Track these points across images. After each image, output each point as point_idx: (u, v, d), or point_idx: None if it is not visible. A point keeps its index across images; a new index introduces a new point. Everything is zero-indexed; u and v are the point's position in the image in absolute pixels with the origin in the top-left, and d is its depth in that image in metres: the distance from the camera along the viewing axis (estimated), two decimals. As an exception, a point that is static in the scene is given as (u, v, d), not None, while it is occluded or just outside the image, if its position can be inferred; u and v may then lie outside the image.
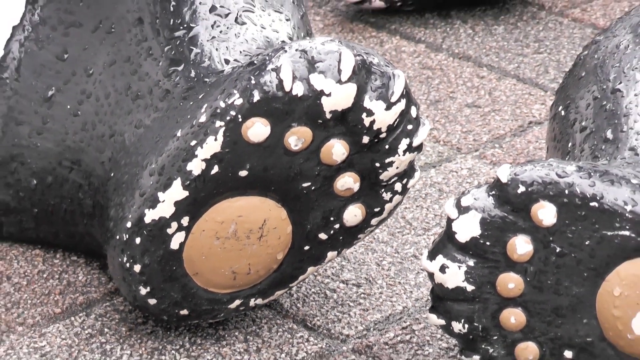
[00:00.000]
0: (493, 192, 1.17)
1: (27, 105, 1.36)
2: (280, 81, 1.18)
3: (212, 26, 1.33)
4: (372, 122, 1.21)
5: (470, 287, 1.17)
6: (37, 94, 1.35)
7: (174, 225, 1.21)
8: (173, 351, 1.28)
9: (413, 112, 1.24)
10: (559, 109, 1.36)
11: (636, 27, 1.31)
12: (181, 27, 1.32)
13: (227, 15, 1.33)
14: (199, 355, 1.28)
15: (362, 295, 1.37)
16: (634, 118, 1.28)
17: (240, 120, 1.19)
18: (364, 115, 1.21)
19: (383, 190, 1.26)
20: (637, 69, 1.31)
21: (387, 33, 1.84)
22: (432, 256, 1.18)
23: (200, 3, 1.34)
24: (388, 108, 1.21)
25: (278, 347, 1.28)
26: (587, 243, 1.15)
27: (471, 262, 1.17)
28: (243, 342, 1.29)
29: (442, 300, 1.19)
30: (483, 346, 1.20)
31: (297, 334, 1.31)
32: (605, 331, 1.16)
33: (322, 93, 1.19)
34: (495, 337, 1.18)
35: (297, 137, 1.20)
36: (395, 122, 1.23)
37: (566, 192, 1.15)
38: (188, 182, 1.19)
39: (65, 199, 1.36)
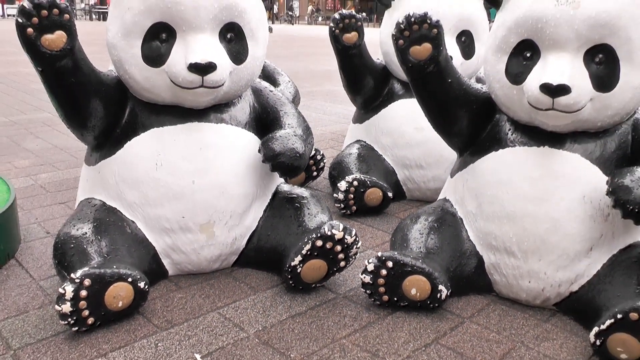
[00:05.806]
0: (377, 257, 1.45)
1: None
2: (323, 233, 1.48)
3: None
4: (346, 241, 1.53)
5: (367, 279, 1.44)
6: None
7: (299, 266, 1.52)
8: (294, 305, 1.54)
9: (358, 238, 1.55)
10: (393, 239, 1.63)
11: (415, 216, 1.61)
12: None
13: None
14: (305, 303, 1.54)
15: (344, 285, 1.67)
16: (411, 244, 1.55)
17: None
18: (345, 239, 1.53)
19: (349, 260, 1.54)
20: (410, 231, 1.60)
21: (353, 221, 2.11)
22: (362, 273, 1.47)
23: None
24: (351, 237, 1.54)
25: (328, 303, 1.57)
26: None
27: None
28: (321, 297, 1.58)
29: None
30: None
31: (332, 296, 1.60)
32: None
33: (335, 234, 1.51)
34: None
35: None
36: (353, 241, 1.55)
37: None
38: (301, 257, 1.49)
39: (274, 255, 1.63)
